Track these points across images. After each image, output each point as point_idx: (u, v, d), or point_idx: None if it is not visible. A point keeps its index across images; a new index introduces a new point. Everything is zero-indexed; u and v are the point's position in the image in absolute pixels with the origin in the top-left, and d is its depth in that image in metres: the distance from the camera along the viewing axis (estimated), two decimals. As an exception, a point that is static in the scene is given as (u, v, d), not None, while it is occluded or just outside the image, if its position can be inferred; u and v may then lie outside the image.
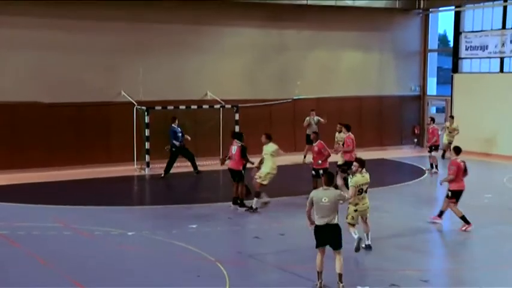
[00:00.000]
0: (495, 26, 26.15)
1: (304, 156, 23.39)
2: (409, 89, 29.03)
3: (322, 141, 16.90)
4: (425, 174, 21.89)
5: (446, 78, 30.26)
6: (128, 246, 13.21)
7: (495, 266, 12.13)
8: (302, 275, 11.16)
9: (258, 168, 16.26)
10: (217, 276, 11.07)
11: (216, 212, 16.30)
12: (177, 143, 21.11)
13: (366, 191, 12.56)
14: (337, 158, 18.51)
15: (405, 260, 12.49)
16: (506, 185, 20.20)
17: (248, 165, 16.61)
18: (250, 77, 25.30)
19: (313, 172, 16.94)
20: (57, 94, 21.79)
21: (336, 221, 10.42)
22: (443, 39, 39.62)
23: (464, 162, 14.51)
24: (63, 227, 14.48)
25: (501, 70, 26.32)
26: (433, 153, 22.07)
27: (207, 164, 22.57)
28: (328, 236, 10.43)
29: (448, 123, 24.67)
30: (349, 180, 12.36)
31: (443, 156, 24.35)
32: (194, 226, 14.62)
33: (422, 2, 28.18)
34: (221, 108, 23.57)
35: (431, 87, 29.91)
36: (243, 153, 16.25)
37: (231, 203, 16.52)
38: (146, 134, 21.78)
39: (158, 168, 21.59)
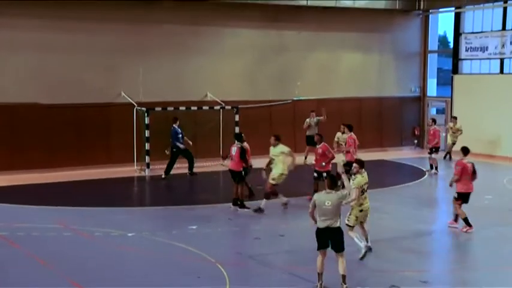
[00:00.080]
0: (495, 27, 26.13)
1: (305, 158, 23.38)
2: (409, 90, 29.02)
3: (326, 144, 16.93)
4: (425, 176, 21.88)
5: (446, 79, 30.23)
6: (128, 247, 13.20)
7: (495, 267, 12.12)
8: (302, 277, 11.16)
9: (268, 170, 16.25)
10: (217, 277, 11.06)
11: (216, 213, 16.32)
12: (181, 146, 21.08)
13: (366, 190, 12.58)
14: (338, 158, 18.47)
15: (405, 261, 12.49)
16: (506, 186, 20.20)
17: (255, 166, 16.58)
18: (250, 78, 25.29)
19: (315, 174, 16.94)
20: (57, 95, 21.77)
21: (337, 224, 10.45)
22: (443, 40, 39.53)
23: (472, 164, 14.38)
24: (63, 228, 14.46)
25: (501, 71, 26.29)
26: (434, 155, 22.03)
27: (207, 165, 22.57)
28: (330, 239, 10.45)
29: (451, 124, 24.65)
30: (350, 181, 12.36)
31: (445, 157, 24.33)
32: (194, 227, 14.61)
33: (422, 3, 28.12)
34: (221, 109, 23.57)
35: (431, 89, 29.88)
36: (242, 155, 16.25)
37: (231, 204, 16.50)
38: (146, 135, 21.76)
39: (158, 169, 21.58)
